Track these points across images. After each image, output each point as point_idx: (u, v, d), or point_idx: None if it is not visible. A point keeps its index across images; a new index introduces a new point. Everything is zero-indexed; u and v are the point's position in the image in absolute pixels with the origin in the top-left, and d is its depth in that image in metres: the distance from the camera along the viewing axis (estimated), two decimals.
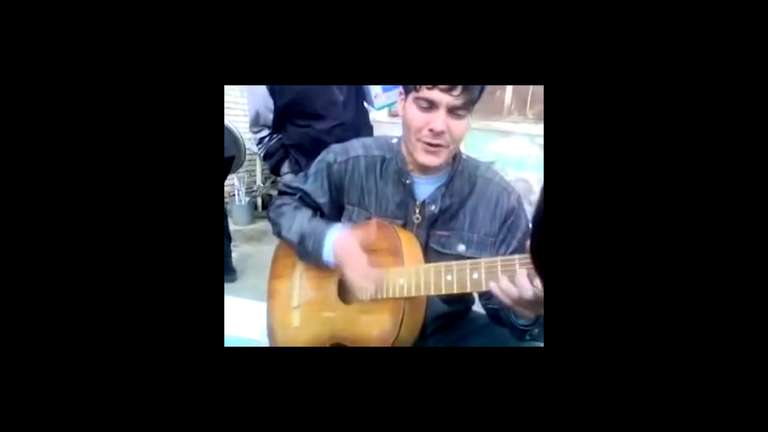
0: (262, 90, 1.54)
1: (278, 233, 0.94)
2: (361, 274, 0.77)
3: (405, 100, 0.80)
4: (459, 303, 0.92)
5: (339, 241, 0.80)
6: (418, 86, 0.75)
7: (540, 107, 3.24)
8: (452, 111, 0.74)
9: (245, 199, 3.50)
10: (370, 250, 0.83)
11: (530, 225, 0.63)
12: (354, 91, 1.66)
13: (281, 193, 0.99)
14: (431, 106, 0.75)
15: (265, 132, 1.63)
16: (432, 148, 0.77)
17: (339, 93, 1.58)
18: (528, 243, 0.84)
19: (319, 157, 0.94)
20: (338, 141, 1.52)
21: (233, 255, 2.66)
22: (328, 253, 0.81)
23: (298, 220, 0.88)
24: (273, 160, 1.66)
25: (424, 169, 0.83)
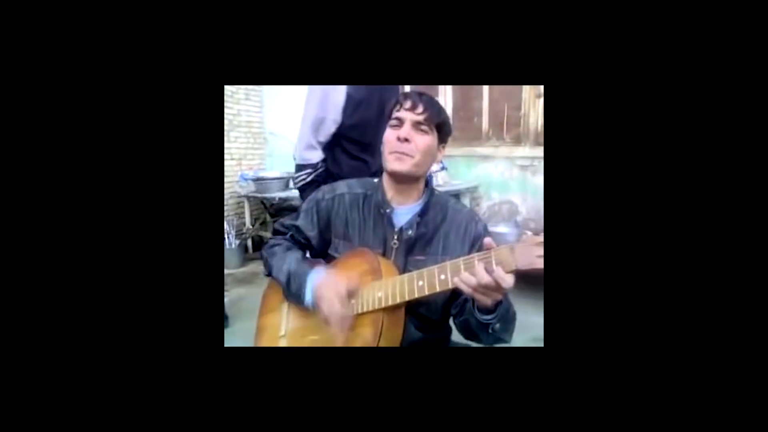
0: (339, 101, 1.46)
1: (269, 273, 1.02)
2: (332, 317, 0.82)
3: (387, 129, 0.95)
4: (434, 331, 0.98)
5: (318, 283, 0.88)
6: (392, 113, 0.93)
7: (516, 130, 3.37)
8: (416, 125, 0.90)
9: (235, 242, 3.48)
10: (351, 273, 0.89)
11: None
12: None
13: (275, 232, 1.09)
14: (399, 123, 0.92)
15: (320, 156, 1.52)
16: (398, 155, 0.90)
17: None
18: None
19: (309, 197, 1.07)
20: None
21: (225, 300, 2.61)
22: (308, 294, 0.88)
23: (287, 261, 0.96)
24: (313, 189, 1.53)
25: (400, 197, 0.96)
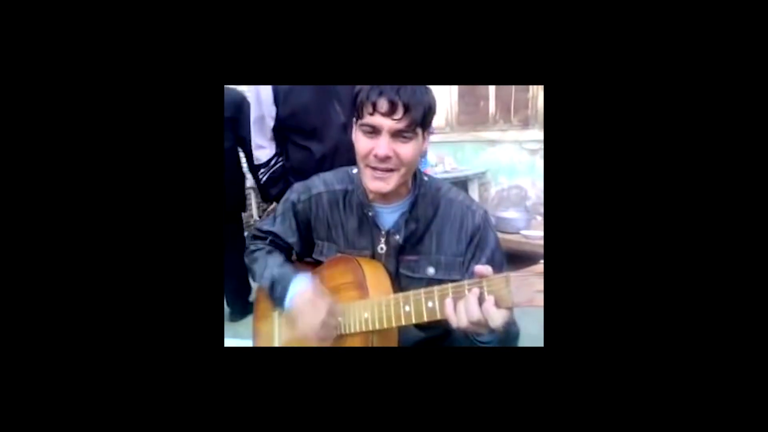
0: (267, 96, 1.47)
1: (254, 279, 0.96)
2: (310, 331, 0.78)
3: (356, 125, 0.81)
4: (434, 328, 0.89)
5: (298, 295, 0.82)
6: (362, 113, 0.76)
7: (524, 113, 3.30)
8: (397, 135, 0.74)
9: (244, 234, 3.48)
10: (335, 285, 0.84)
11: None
12: (355, 116, 1.62)
13: (254, 237, 1.00)
14: (374, 131, 0.75)
15: (270, 154, 1.53)
16: (379, 173, 0.76)
17: (341, 113, 1.47)
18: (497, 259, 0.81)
19: (283, 198, 0.96)
20: (337, 167, 1.44)
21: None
22: (289, 303, 0.83)
23: (269, 267, 0.89)
24: (276, 188, 1.56)
25: (385, 198, 0.83)
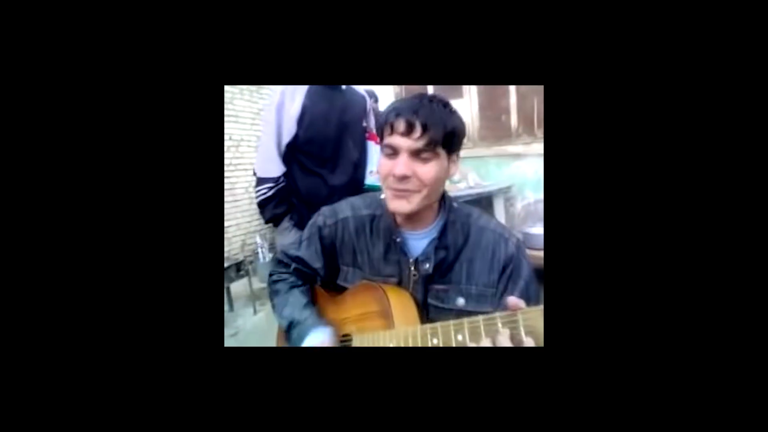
0: (292, 113, 1.43)
1: (273, 311, 0.94)
2: None
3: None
4: None
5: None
6: (383, 136, 0.76)
7: None
8: (415, 154, 0.72)
9: (269, 256, 3.52)
10: (358, 314, 0.81)
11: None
12: (365, 159, 1.61)
13: (279, 263, 0.99)
14: (394, 152, 0.74)
15: (278, 171, 1.46)
16: (399, 193, 0.74)
17: (354, 151, 1.51)
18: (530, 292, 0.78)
19: (310, 222, 0.95)
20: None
21: (261, 315, 2.62)
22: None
23: (290, 305, 0.88)
24: (279, 209, 1.49)
25: (412, 223, 0.81)
